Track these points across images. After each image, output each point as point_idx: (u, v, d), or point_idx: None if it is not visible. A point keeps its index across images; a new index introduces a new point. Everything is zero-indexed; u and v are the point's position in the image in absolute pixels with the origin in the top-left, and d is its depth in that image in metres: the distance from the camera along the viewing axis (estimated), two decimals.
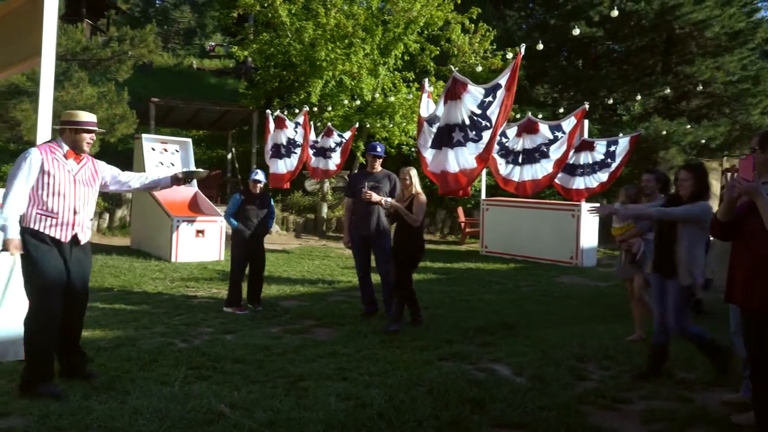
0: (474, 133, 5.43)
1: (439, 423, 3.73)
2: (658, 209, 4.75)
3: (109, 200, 15.75)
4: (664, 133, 16.89)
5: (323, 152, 10.04)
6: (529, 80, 19.86)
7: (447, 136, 5.64)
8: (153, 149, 12.53)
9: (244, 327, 6.27)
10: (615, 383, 4.71)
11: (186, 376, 4.45)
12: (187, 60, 27.84)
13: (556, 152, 7.29)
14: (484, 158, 5.47)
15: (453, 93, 5.56)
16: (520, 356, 5.38)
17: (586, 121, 12.61)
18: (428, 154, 5.82)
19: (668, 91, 18.17)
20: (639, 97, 16.04)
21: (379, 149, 6.97)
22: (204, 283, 9.13)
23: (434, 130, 5.75)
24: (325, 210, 16.91)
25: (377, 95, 14.88)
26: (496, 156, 7.52)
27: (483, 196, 14.52)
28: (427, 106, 6.15)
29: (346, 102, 14.54)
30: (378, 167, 6.96)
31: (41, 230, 4.12)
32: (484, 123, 5.44)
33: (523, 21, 23.31)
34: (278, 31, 14.57)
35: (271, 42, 14.59)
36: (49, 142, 4.32)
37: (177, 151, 12.81)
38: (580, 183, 8.29)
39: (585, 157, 8.36)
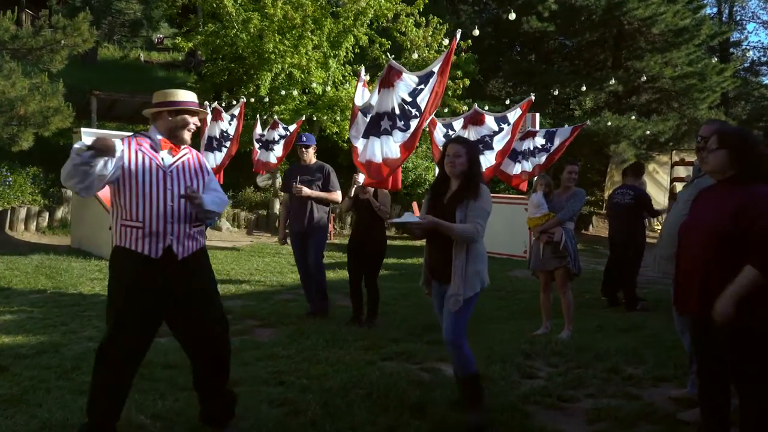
0: (402, 122, 5.24)
1: (374, 430, 3.52)
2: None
3: (49, 198, 15.08)
4: (609, 124, 17.04)
5: (267, 145, 9.73)
6: (482, 74, 19.82)
7: (375, 125, 5.44)
8: None
9: None
10: (562, 380, 4.57)
11: None
12: (134, 53, 26.98)
13: (499, 143, 7.16)
14: (408, 147, 5.27)
15: (387, 81, 5.35)
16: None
17: (537, 115, 12.58)
18: (359, 144, 5.61)
19: (618, 85, 18.37)
20: (584, 88, 16.11)
21: (304, 138, 6.76)
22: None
23: (367, 119, 5.55)
24: (277, 206, 16.54)
25: (328, 88, 14.59)
26: (441, 148, 7.35)
27: None
28: (362, 95, 5.95)
29: (296, 95, 14.20)
30: (311, 159, 6.73)
31: (126, 246, 3.21)
32: (413, 111, 5.25)
33: (477, 15, 23.31)
34: (224, 22, 14.13)
35: (217, 33, 14.13)
36: (137, 133, 3.42)
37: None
38: (518, 168, 8.24)
39: (527, 144, 8.32)
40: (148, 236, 3.19)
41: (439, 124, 7.39)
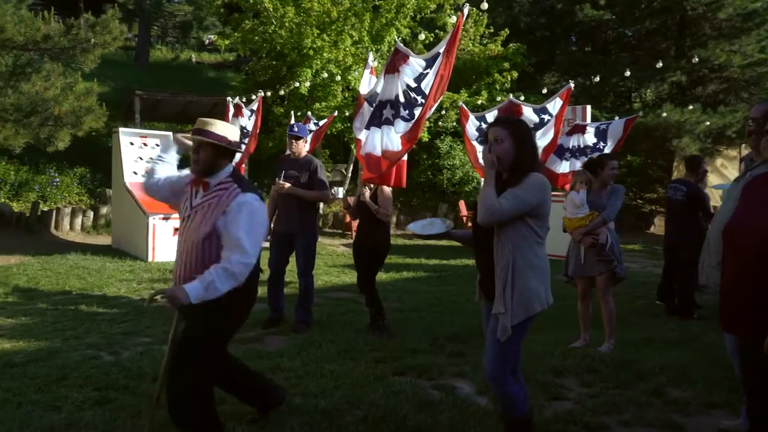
0: (407, 111, 4.67)
1: None
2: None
3: (95, 198, 15.25)
4: (667, 116, 15.99)
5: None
6: (535, 67, 19.04)
7: (378, 114, 4.90)
8: (132, 144, 11.95)
9: None
10: (594, 404, 3.98)
11: (85, 400, 3.81)
12: (185, 54, 27.31)
13: (543, 138, 6.52)
14: (410, 139, 4.70)
15: (392, 66, 4.82)
16: None
17: (588, 108, 11.82)
18: (362, 136, 5.09)
19: (682, 76, 17.27)
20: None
21: (296, 129, 6.07)
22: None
23: (372, 109, 5.03)
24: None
25: None
26: (475, 144, 6.78)
27: None
28: (368, 83, 5.42)
29: (335, 90, 13.85)
30: (301, 152, 6.04)
31: None
32: (418, 99, 4.68)
33: (530, 7, 22.45)
34: (262, 18, 13.91)
35: (255, 30, 13.92)
36: None
37: (157, 145, 12.20)
38: (566, 167, 7.52)
39: (575, 140, 7.61)
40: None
41: (471, 117, 6.84)
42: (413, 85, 4.73)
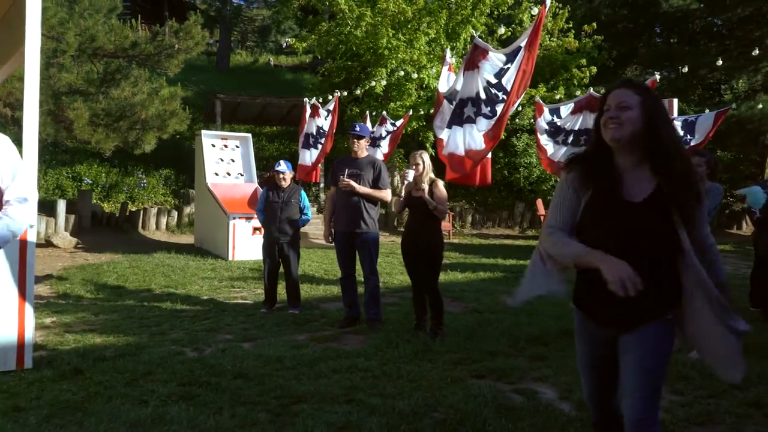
0: (488, 108, 4.50)
1: None
2: None
3: (179, 198, 15.83)
4: (762, 108, 15.04)
5: (374, 141, 9.38)
6: (615, 61, 18.37)
7: (458, 113, 4.76)
8: (213, 145, 12.33)
9: (268, 334, 5.72)
10: (686, 414, 3.75)
11: (170, 395, 3.91)
12: (263, 57, 27.99)
13: None
14: (493, 137, 4.53)
15: (471, 62, 4.67)
16: (572, 374, 4.48)
17: (675, 101, 11.26)
18: (444, 135, 4.96)
19: None
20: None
21: (357, 128, 5.95)
22: (251, 283, 8.71)
23: (453, 107, 4.89)
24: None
25: None
26: (542, 138, 6.55)
27: None
28: (447, 80, 5.29)
29: (410, 90, 13.81)
30: (363, 152, 5.97)
31: None
32: (499, 95, 4.50)
33: None
34: (338, 20, 14.04)
35: (330, 32, 14.07)
36: None
37: (237, 146, 12.55)
38: None
39: None
40: None
41: (545, 111, 6.61)
42: (494, 81, 4.59)
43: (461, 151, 4.83)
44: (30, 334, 4.48)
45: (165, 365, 4.58)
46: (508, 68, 4.54)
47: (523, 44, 4.47)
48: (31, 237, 4.54)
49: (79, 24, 9.55)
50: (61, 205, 13.02)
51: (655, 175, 2.20)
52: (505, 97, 4.53)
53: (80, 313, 6.53)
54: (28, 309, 4.48)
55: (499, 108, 4.58)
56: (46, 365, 4.49)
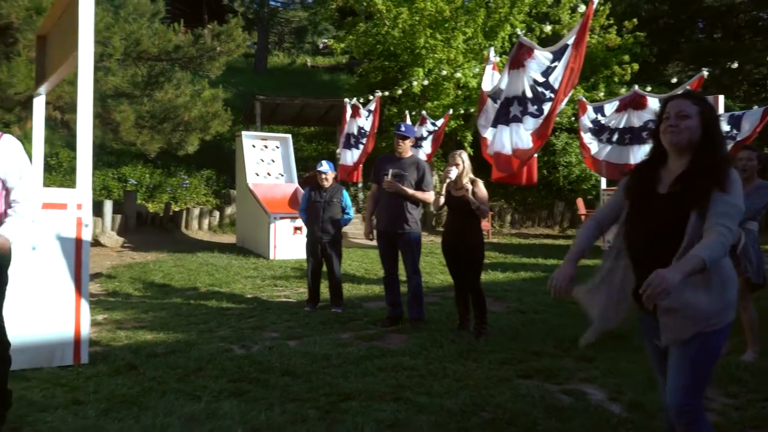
0: (535, 107, 4.47)
1: None
2: None
3: (220, 198, 16.09)
4: None
5: (416, 142, 9.40)
6: (657, 58, 18.02)
7: (504, 112, 4.74)
8: (253, 146, 12.51)
9: (313, 332, 5.79)
10: (739, 416, 3.68)
11: (221, 391, 3.99)
12: (300, 59, 28.26)
13: None
14: (541, 135, 4.50)
15: (517, 61, 4.64)
16: (621, 376, 4.45)
17: (721, 98, 11.01)
18: (489, 134, 4.94)
19: None
20: None
21: (403, 128, 5.90)
22: (294, 282, 8.82)
23: (497, 106, 4.87)
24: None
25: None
26: (585, 136, 6.47)
27: (603, 185, 13.26)
28: (491, 79, 5.26)
29: (448, 89, 13.78)
30: (407, 152, 5.96)
31: None
32: (547, 93, 4.47)
33: None
34: (375, 20, 14.10)
35: (368, 32, 14.14)
36: None
37: (277, 147, 12.71)
38: None
39: None
40: None
41: (589, 108, 6.54)
42: (541, 79, 4.57)
43: (508, 150, 4.81)
44: (86, 330, 4.62)
45: (215, 362, 4.68)
46: (556, 66, 4.51)
47: (570, 42, 4.44)
48: (86, 236, 4.68)
49: (124, 28, 9.83)
50: (108, 206, 13.36)
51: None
52: (552, 95, 4.51)
53: (130, 310, 6.69)
54: (84, 306, 4.62)
55: (547, 106, 4.56)
56: (101, 360, 4.63)
